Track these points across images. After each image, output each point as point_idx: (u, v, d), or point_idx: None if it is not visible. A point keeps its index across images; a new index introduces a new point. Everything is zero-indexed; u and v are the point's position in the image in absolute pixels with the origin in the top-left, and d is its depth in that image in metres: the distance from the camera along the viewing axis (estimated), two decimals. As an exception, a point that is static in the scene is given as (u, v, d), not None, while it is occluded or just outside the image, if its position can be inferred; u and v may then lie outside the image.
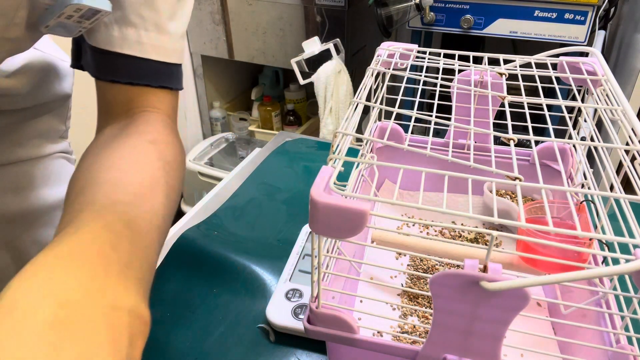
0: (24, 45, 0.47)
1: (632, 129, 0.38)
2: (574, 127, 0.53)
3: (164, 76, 0.47)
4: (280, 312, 0.53)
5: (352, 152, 0.38)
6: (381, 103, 0.51)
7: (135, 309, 0.28)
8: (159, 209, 0.37)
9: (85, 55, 0.47)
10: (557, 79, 0.49)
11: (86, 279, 0.26)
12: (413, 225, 0.60)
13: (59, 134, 0.65)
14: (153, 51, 0.45)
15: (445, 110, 0.47)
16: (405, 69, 0.51)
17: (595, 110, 0.47)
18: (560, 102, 0.45)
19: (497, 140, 0.41)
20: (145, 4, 0.44)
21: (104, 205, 0.33)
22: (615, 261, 0.31)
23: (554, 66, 0.51)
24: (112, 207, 0.33)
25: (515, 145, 0.38)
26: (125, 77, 0.46)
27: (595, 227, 0.44)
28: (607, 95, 0.45)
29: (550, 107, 0.44)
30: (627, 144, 0.38)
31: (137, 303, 0.29)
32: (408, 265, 0.55)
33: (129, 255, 0.31)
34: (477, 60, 0.51)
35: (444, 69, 0.51)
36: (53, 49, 0.61)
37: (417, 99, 0.47)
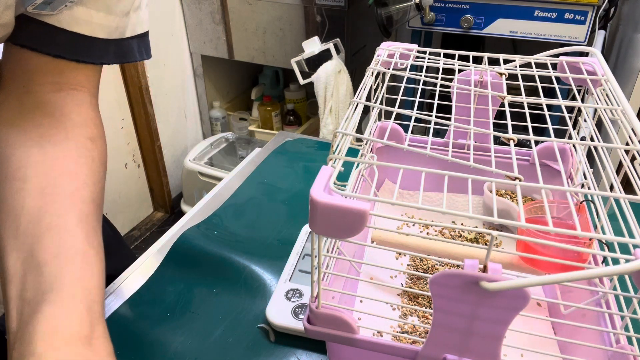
0: (10, 30, 0.46)
1: (632, 129, 0.38)
2: (574, 127, 0.53)
3: (106, 53, 0.47)
4: (280, 312, 0.53)
5: (352, 152, 0.38)
6: (381, 103, 0.51)
7: None
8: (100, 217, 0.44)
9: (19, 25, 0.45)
10: (557, 79, 0.49)
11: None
12: (413, 225, 0.60)
13: None
14: (100, 30, 0.45)
15: (445, 110, 0.47)
16: (405, 69, 0.50)
17: (595, 110, 0.47)
18: (560, 102, 0.45)
19: (497, 140, 0.41)
20: None
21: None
22: (615, 261, 0.31)
23: (554, 66, 0.51)
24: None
25: (515, 145, 0.38)
26: (69, 54, 0.45)
27: (595, 227, 0.44)
28: (607, 95, 0.45)
29: (550, 107, 0.44)
30: (627, 144, 0.38)
31: None
32: (408, 265, 0.55)
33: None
34: (477, 60, 0.51)
35: (444, 69, 0.51)
36: None
37: (417, 99, 0.47)
